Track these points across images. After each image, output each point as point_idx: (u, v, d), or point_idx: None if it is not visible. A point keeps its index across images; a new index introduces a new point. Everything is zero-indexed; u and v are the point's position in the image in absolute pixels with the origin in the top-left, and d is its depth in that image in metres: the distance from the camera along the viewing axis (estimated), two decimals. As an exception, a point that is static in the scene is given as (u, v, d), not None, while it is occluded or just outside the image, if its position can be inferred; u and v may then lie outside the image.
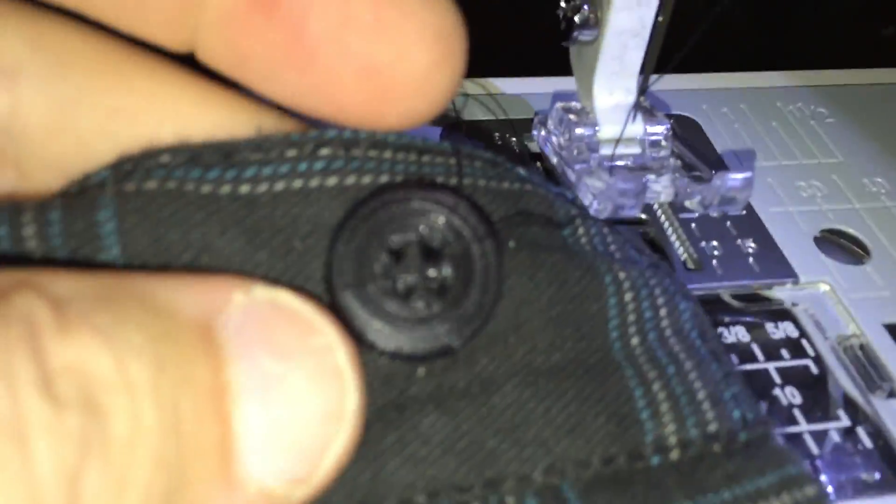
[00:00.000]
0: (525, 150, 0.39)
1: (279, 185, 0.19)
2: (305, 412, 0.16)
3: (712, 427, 0.19)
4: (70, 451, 0.14)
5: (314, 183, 0.19)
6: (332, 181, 0.19)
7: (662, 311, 0.21)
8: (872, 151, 0.43)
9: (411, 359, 0.18)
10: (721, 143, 0.41)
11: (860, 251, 0.38)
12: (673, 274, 0.22)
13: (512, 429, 0.18)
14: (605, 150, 0.35)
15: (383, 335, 0.18)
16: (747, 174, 0.33)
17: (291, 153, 0.19)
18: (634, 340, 0.20)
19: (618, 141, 0.34)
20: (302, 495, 0.16)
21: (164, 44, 0.20)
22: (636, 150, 0.35)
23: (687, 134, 0.41)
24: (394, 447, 0.18)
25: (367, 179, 0.19)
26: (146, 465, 0.14)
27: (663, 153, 0.35)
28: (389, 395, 0.19)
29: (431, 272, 0.19)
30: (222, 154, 0.18)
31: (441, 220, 0.19)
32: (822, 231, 0.38)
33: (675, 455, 0.19)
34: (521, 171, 0.21)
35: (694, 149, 0.38)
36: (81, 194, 0.18)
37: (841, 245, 0.38)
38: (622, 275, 0.21)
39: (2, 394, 0.13)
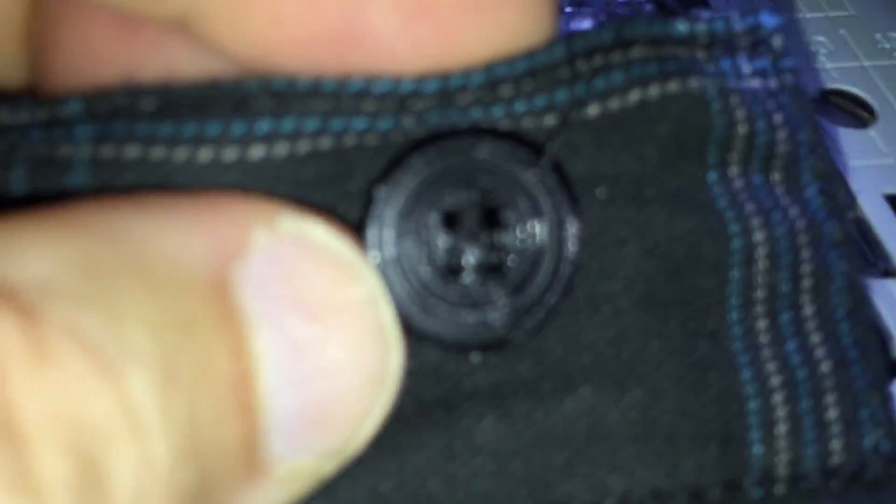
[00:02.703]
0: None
1: (304, 146, 0.15)
2: (343, 383, 0.14)
3: (836, 459, 0.16)
4: None
5: (350, 142, 0.15)
6: (372, 140, 0.15)
7: (806, 283, 0.17)
8: (891, 3, 0.38)
9: (455, 348, 0.16)
10: (715, -7, 0.37)
11: (865, 114, 0.34)
12: (846, 204, 0.18)
13: (584, 444, 0.16)
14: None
15: (423, 318, 0.15)
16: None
17: (320, 106, 0.15)
18: (761, 324, 0.17)
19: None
20: (334, 467, 0.14)
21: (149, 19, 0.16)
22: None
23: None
24: (439, 457, 0.15)
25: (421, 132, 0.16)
26: None
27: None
28: (439, 388, 0.16)
29: (492, 241, 0.16)
30: (233, 104, 0.15)
31: (512, 177, 0.16)
32: (825, 91, 0.34)
33: (781, 489, 0.16)
34: (682, 52, 0.17)
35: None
36: (53, 151, 0.15)
37: (845, 108, 0.34)
38: (759, 235, 0.17)
39: None
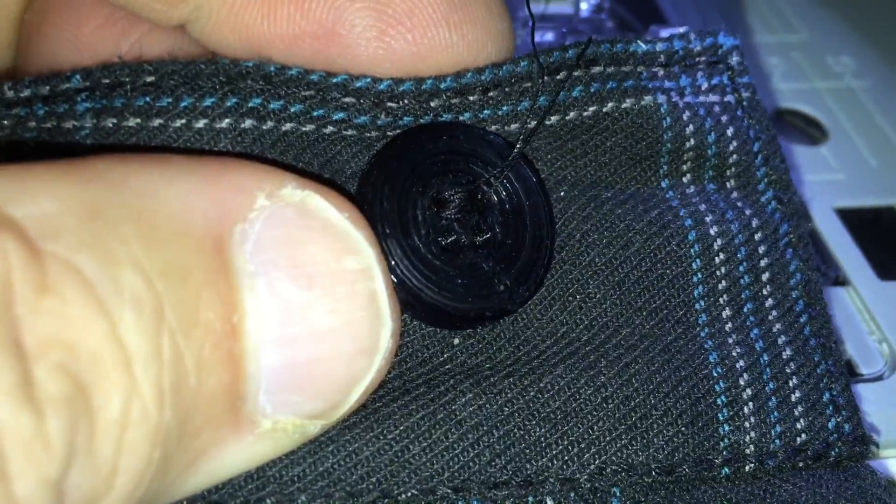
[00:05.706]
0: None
1: (286, 126, 0.16)
2: (331, 348, 0.14)
3: (801, 438, 0.17)
4: (54, 463, 0.12)
5: (329, 130, 0.16)
6: (349, 131, 0.17)
7: (765, 276, 0.18)
8: (842, 29, 0.39)
9: (458, 319, 0.16)
10: (674, 14, 0.38)
11: (817, 132, 0.34)
12: (801, 210, 0.19)
13: (561, 420, 0.16)
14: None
15: (430, 290, 0.16)
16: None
17: (305, 92, 0.16)
18: (726, 313, 0.17)
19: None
20: (320, 430, 0.14)
21: (156, 21, 0.17)
22: (568, 9, 0.31)
23: (637, 6, 0.37)
24: (420, 428, 0.16)
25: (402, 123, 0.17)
26: (142, 444, 0.12)
27: (601, 15, 0.31)
28: (422, 368, 0.16)
29: (480, 223, 0.16)
30: (227, 80, 0.16)
31: (493, 167, 0.17)
32: (778, 111, 0.35)
33: (749, 467, 0.16)
34: (642, 70, 0.18)
35: (641, 16, 0.34)
36: (57, 123, 0.15)
37: (797, 126, 0.35)
38: (714, 229, 0.18)
39: None
